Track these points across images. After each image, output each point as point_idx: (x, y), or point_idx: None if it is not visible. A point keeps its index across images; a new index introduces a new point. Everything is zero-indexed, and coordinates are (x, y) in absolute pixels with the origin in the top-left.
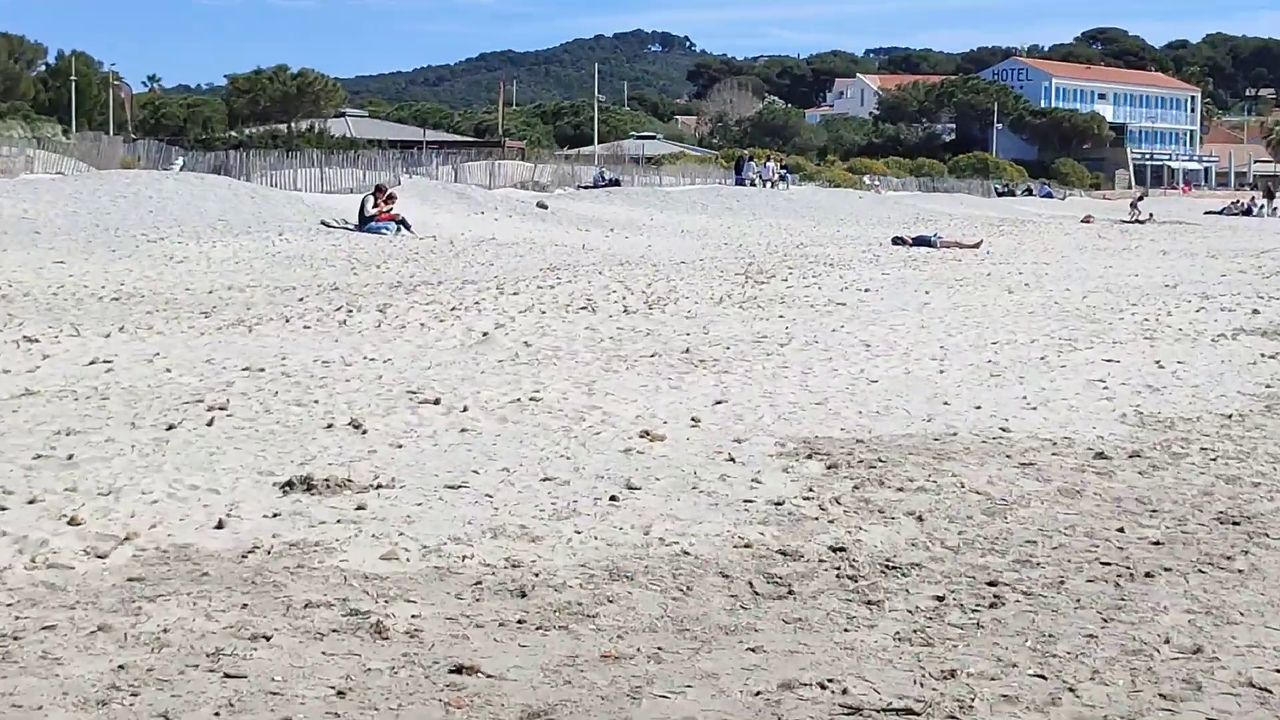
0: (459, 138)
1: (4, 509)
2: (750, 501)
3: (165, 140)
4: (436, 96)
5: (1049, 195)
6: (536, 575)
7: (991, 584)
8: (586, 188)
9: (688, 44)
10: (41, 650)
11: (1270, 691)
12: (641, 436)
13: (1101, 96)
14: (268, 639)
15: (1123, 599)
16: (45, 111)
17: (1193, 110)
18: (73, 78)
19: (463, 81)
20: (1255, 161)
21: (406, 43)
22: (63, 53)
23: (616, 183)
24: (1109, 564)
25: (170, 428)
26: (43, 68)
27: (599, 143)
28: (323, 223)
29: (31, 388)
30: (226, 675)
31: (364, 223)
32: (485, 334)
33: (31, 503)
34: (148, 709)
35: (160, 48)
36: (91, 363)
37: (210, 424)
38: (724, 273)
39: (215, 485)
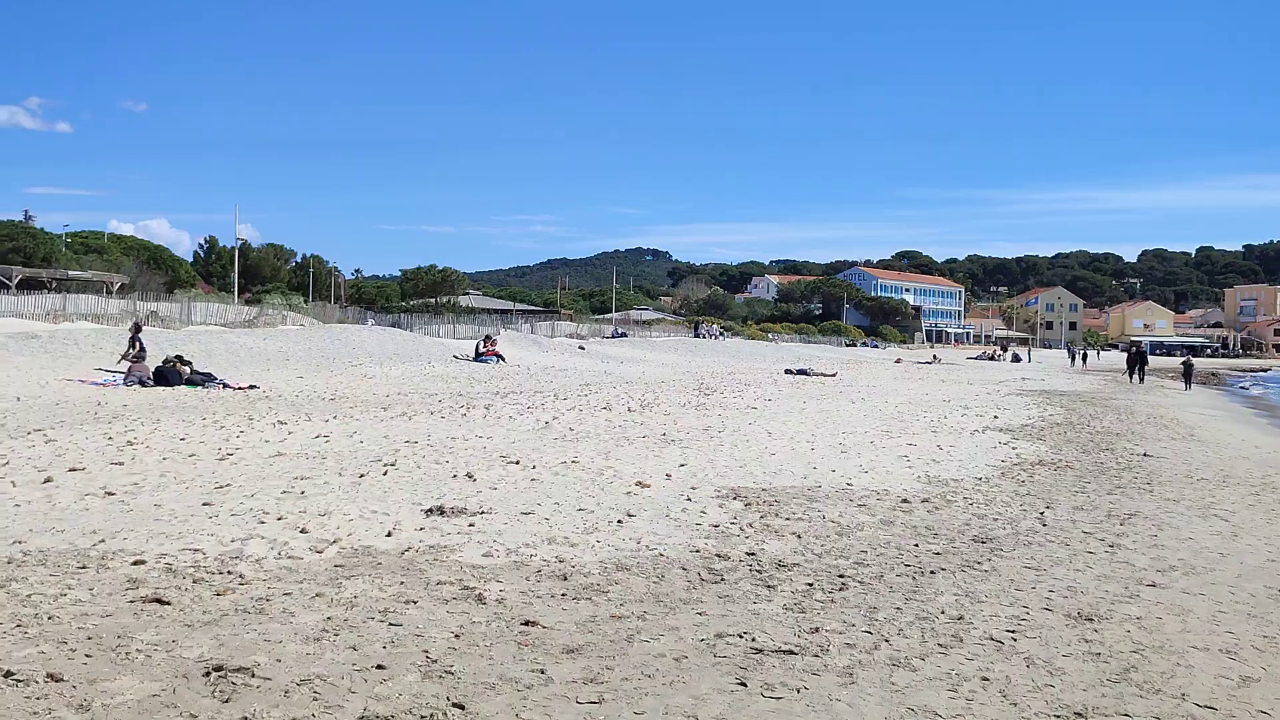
0: (535, 308)
1: (263, 523)
2: (699, 525)
3: (363, 307)
4: (522, 283)
5: (876, 346)
6: (574, 567)
7: (840, 576)
8: (608, 338)
9: (668, 255)
10: (283, 607)
11: (1002, 642)
12: (637, 485)
13: (907, 290)
14: (415, 603)
15: (917, 587)
16: (294, 289)
17: (959, 299)
18: (310, 269)
19: (536, 275)
20: (995, 330)
21: (505, 251)
22: (305, 255)
23: (625, 335)
24: (909, 565)
25: (361, 476)
26: (293, 263)
27: (615, 311)
28: (454, 356)
29: (281, 451)
30: (390, 624)
31: (477, 357)
32: (546, 423)
33: (279, 519)
34: (344, 644)
35: (362, 250)
36: (317, 437)
37: (385, 474)
38: (686, 389)
39: (386, 510)
